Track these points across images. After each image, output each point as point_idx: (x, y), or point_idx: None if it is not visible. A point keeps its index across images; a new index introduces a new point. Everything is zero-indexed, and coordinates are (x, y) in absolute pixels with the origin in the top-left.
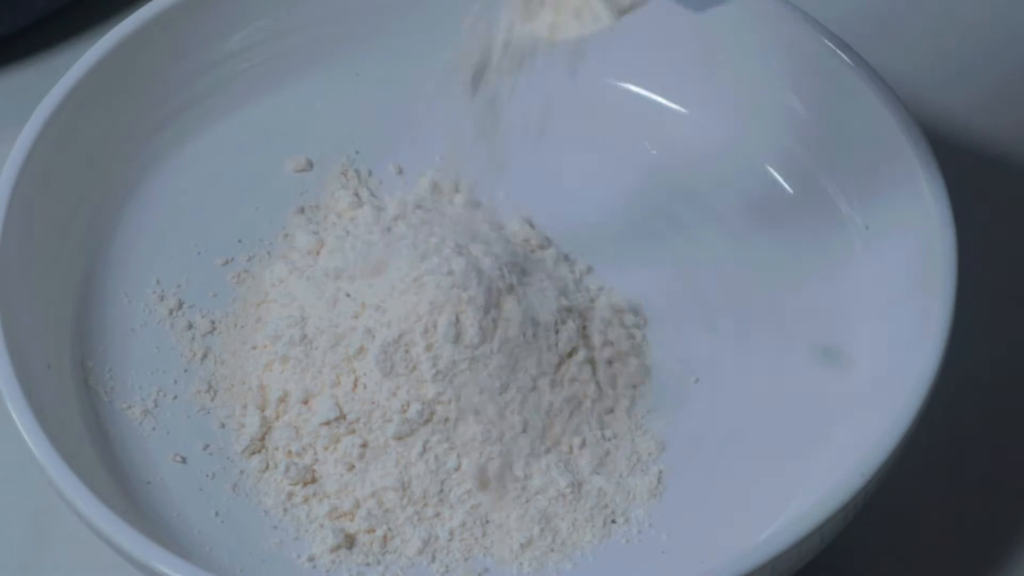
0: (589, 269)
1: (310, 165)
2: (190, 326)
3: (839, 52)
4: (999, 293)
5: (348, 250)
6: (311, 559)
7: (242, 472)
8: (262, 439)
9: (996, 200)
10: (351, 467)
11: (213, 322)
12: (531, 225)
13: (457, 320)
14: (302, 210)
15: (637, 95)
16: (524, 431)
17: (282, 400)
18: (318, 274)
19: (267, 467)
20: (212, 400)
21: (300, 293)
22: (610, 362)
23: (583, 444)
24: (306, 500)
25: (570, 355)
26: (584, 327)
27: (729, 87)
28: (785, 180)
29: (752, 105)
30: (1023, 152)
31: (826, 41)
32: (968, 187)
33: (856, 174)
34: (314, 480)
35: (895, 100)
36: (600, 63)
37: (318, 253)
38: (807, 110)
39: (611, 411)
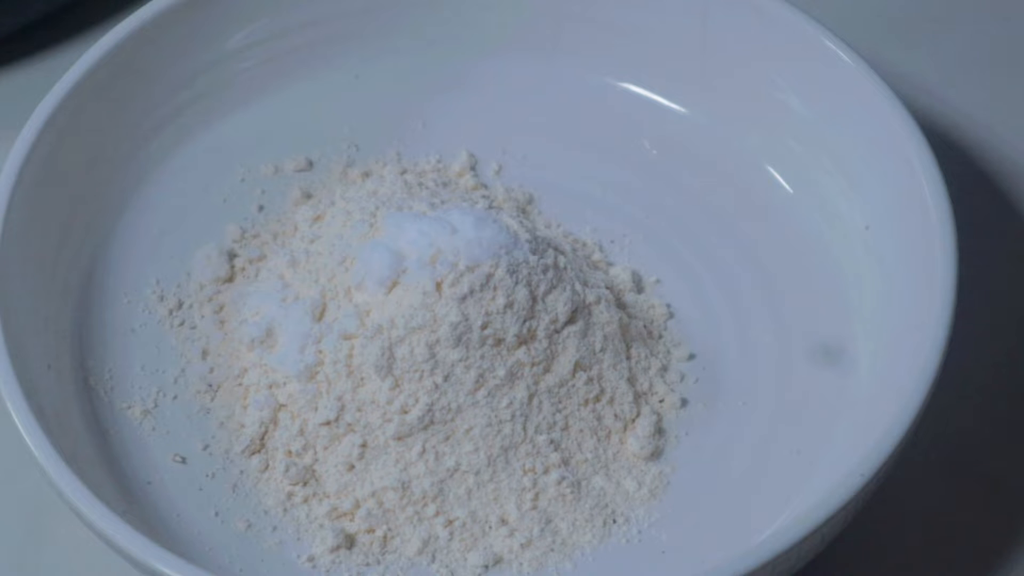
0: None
1: (310, 165)
2: (190, 326)
3: (839, 52)
4: (999, 293)
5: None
6: (311, 559)
7: (242, 472)
8: (262, 439)
9: (996, 200)
10: (351, 467)
11: (213, 322)
12: (529, 224)
13: (459, 321)
14: (308, 196)
15: (637, 95)
16: (524, 431)
17: (282, 400)
18: (318, 267)
19: (267, 467)
20: (212, 400)
21: (300, 291)
22: (612, 364)
23: (584, 444)
24: (306, 500)
25: (573, 355)
26: (587, 329)
27: (729, 87)
28: (785, 180)
29: (752, 105)
30: (1023, 152)
31: (826, 41)
32: (968, 187)
33: (856, 174)
34: (314, 480)
35: (895, 100)
36: (600, 63)
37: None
38: (807, 110)
39: (612, 411)
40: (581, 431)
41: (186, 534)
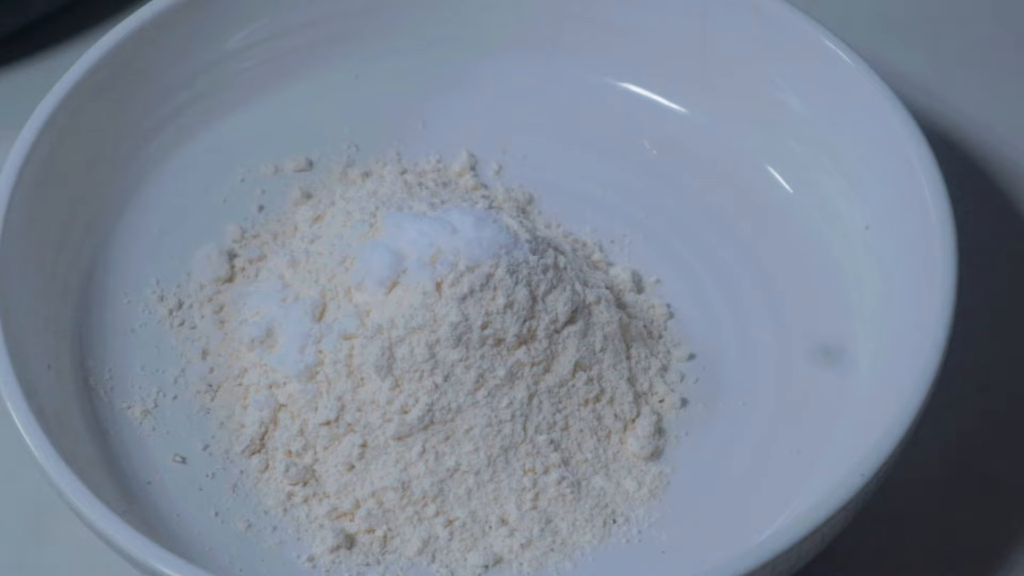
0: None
1: (310, 165)
2: (190, 326)
3: (839, 52)
4: (999, 293)
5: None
6: (311, 559)
7: (242, 472)
8: (262, 439)
9: (996, 200)
10: (351, 467)
11: (213, 322)
12: (529, 224)
13: (459, 321)
14: (307, 196)
15: (637, 95)
16: (524, 431)
17: (282, 400)
18: (318, 267)
19: (267, 467)
20: (212, 400)
21: (300, 291)
22: (612, 364)
23: (584, 444)
24: (306, 500)
25: (573, 355)
26: (587, 329)
27: (729, 87)
28: (785, 180)
29: (752, 105)
30: (1023, 152)
31: (826, 41)
32: (968, 187)
33: (856, 174)
34: (314, 480)
35: (895, 100)
36: (600, 63)
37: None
38: (807, 110)
39: (612, 411)
40: (581, 431)
41: (186, 534)
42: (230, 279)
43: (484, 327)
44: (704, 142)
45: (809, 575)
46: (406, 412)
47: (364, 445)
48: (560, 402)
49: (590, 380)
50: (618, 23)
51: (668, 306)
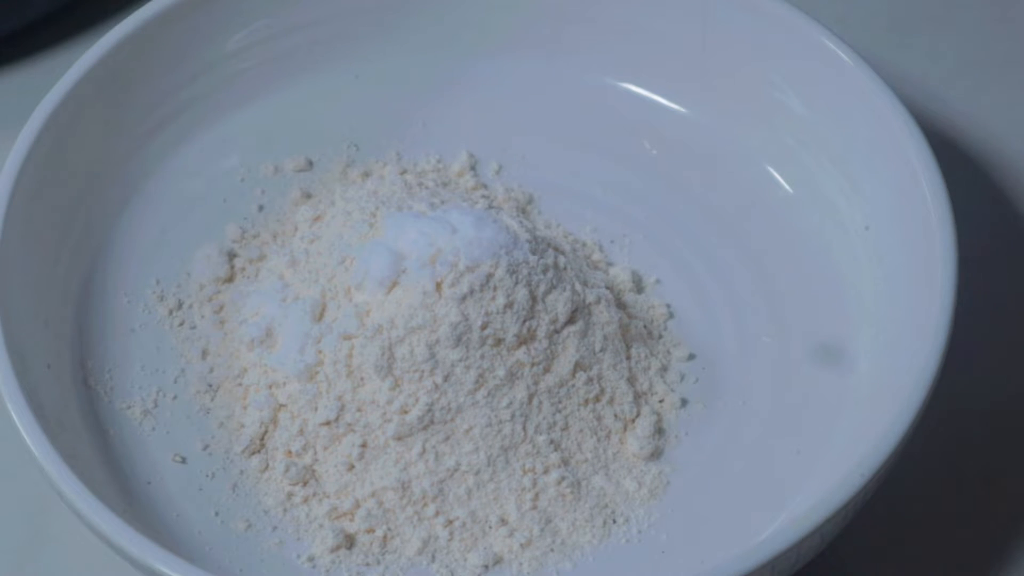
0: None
1: (310, 165)
2: (190, 326)
3: (839, 52)
4: (999, 293)
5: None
6: (311, 559)
7: (242, 472)
8: (262, 439)
9: (996, 200)
10: (351, 467)
11: (213, 322)
12: (529, 224)
13: (458, 321)
14: (307, 196)
15: (637, 95)
16: (524, 431)
17: (282, 400)
18: (318, 267)
19: (267, 467)
20: (212, 400)
21: (300, 291)
22: (612, 364)
23: (584, 444)
24: (306, 500)
25: (572, 355)
26: (587, 329)
27: (729, 87)
28: (785, 180)
29: (752, 105)
30: (1023, 152)
31: (826, 41)
32: (968, 187)
33: (856, 174)
34: (314, 480)
35: (895, 99)
36: (600, 63)
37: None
38: (807, 110)
39: (612, 411)
40: (581, 431)
41: (186, 534)
42: (230, 279)
43: (484, 327)
44: (704, 142)
45: (809, 575)
46: (406, 412)
47: (364, 445)
48: (560, 402)
49: (590, 380)
50: (618, 23)
51: (668, 306)
